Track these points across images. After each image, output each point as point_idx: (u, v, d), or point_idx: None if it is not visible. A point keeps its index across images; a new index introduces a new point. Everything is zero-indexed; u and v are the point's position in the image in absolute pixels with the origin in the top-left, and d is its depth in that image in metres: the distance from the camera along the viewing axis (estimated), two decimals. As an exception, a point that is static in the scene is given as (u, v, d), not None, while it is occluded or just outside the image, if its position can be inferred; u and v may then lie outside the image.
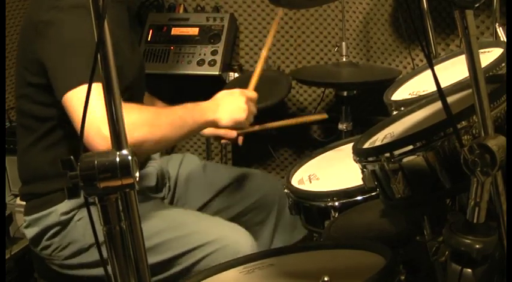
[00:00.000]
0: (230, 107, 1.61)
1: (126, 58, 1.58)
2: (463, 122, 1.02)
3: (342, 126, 2.27)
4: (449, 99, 1.16)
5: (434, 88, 0.94)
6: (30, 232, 1.62)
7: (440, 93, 0.91)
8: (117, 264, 0.82)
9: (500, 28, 1.88)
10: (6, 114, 2.61)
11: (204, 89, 1.84)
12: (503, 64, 1.40)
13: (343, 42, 2.28)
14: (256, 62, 2.71)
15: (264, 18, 2.67)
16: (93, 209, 0.84)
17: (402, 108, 1.50)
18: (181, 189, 1.90)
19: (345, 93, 2.27)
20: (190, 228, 1.59)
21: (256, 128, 1.82)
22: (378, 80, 2.15)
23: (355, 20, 2.48)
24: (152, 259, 1.47)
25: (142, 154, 1.64)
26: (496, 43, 1.70)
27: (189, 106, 1.56)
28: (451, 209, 1.26)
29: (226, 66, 2.58)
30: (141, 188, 1.63)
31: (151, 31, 2.66)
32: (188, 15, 2.69)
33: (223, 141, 1.87)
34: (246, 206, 1.89)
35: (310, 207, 1.62)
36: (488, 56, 1.51)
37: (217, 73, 2.52)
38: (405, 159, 1.07)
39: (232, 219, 1.88)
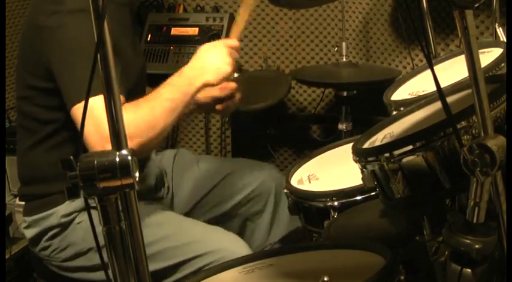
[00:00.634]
0: (215, 64, 1.54)
1: (129, 61, 1.58)
2: (463, 122, 1.02)
3: (341, 126, 2.27)
4: (449, 99, 1.15)
5: (434, 88, 0.94)
6: (29, 233, 1.62)
7: (440, 93, 0.91)
8: (117, 265, 0.82)
9: (500, 28, 1.88)
10: (6, 114, 2.60)
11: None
12: (503, 64, 1.40)
13: (343, 42, 2.28)
14: (255, 62, 2.72)
15: (264, 18, 2.67)
16: (93, 212, 0.84)
17: (402, 108, 1.50)
18: (177, 185, 1.90)
19: (345, 93, 2.27)
20: (190, 237, 1.59)
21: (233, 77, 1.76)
22: (378, 80, 2.15)
23: (355, 20, 2.48)
24: (151, 267, 1.48)
25: (148, 152, 1.65)
26: (496, 43, 1.70)
27: (175, 81, 1.51)
28: (451, 209, 1.26)
29: (226, 66, 2.58)
30: (141, 190, 1.61)
31: (151, 31, 2.66)
32: (188, 15, 2.69)
33: (218, 106, 1.79)
34: (243, 196, 1.89)
35: (309, 207, 1.62)
36: (488, 56, 1.51)
37: (216, 73, 2.52)
38: (405, 159, 1.07)
39: (231, 211, 1.89)
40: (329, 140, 2.50)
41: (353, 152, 1.22)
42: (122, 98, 1.34)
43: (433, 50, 2.04)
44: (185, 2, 2.75)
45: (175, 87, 1.50)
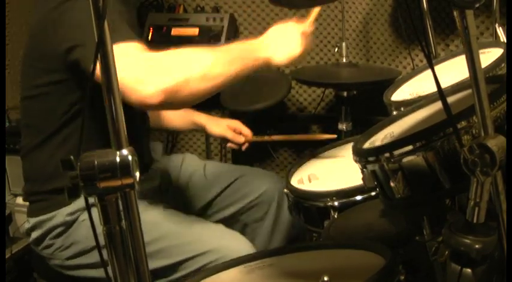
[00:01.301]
0: (284, 43, 1.48)
1: None
2: (463, 122, 1.02)
3: (341, 126, 2.27)
4: (449, 100, 1.16)
5: (434, 88, 0.94)
6: (34, 233, 1.62)
7: (440, 94, 0.91)
8: (117, 265, 0.82)
9: (500, 28, 1.88)
10: (6, 114, 2.60)
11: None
12: (503, 64, 1.40)
13: (343, 43, 2.28)
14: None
15: (264, 18, 2.67)
16: (94, 211, 0.84)
17: (402, 108, 1.50)
18: (183, 189, 1.90)
19: (345, 94, 2.27)
20: (192, 235, 1.58)
21: (265, 138, 1.82)
22: (378, 80, 2.15)
23: (355, 20, 2.48)
24: (152, 265, 1.48)
25: (181, 103, 1.49)
26: (496, 43, 1.70)
27: (240, 43, 1.47)
28: (451, 209, 1.26)
29: (226, 66, 2.58)
30: (145, 190, 1.62)
31: (151, 31, 2.66)
32: (188, 16, 2.68)
33: (229, 144, 1.87)
34: (246, 203, 1.89)
35: (309, 207, 1.62)
36: (488, 56, 1.51)
37: (217, 73, 2.52)
38: (405, 159, 1.07)
39: (232, 217, 1.89)
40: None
41: (353, 152, 1.22)
42: (140, 43, 1.34)
43: (433, 50, 2.04)
44: (185, 2, 2.74)
45: (239, 46, 1.45)
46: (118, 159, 0.79)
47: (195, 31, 2.61)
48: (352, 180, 1.54)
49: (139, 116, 1.68)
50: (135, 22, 1.65)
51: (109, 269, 0.83)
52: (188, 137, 2.90)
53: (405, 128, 1.31)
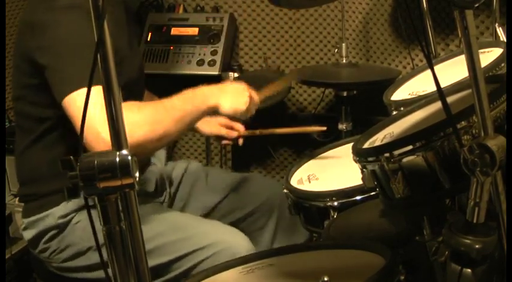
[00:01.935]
0: (232, 95, 1.58)
1: (124, 55, 1.57)
2: (463, 122, 1.02)
3: (341, 126, 2.28)
4: (449, 99, 1.16)
5: (434, 88, 0.94)
6: (28, 234, 1.62)
7: (440, 93, 0.91)
8: (117, 265, 0.82)
9: (500, 28, 1.87)
10: (6, 114, 2.60)
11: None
12: (503, 64, 1.40)
13: (343, 43, 2.28)
14: (255, 62, 2.72)
15: (264, 18, 2.67)
16: (93, 211, 0.84)
17: (402, 108, 1.50)
18: (184, 196, 1.91)
19: (345, 93, 2.27)
20: (189, 231, 1.58)
21: (257, 132, 1.83)
22: (378, 80, 2.15)
23: (355, 20, 2.48)
24: (151, 262, 1.48)
25: (146, 154, 1.63)
26: (496, 43, 1.70)
27: (190, 93, 1.52)
28: (451, 209, 1.26)
29: (226, 66, 2.58)
30: (140, 193, 1.61)
31: (150, 31, 2.66)
32: (188, 15, 2.68)
33: (224, 142, 1.87)
34: (247, 211, 1.89)
35: (309, 207, 1.62)
36: (488, 56, 1.51)
37: (216, 73, 2.52)
38: (405, 159, 1.07)
39: (233, 225, 1.88)
40: (329, 140, 2.50)
41: (353, 152, 1.22)
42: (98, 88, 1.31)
43: (433, 50, 2.04)
44: (185, 2, 2.74)
45: (187, 99, 1.51)
46: (118, 159, 0.79)
47: (194, 31, 2.61)
48: (352, 180, 1.54)
49: None
50: (124, 18, 1.65)
51: (108, 269, 0.83)
52: (189, 138, 2.90)
53: (405, 128, 1.31)
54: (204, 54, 2.55)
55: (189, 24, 2.64)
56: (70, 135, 1.43)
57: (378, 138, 1.31)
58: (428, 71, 1.26)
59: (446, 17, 2.22)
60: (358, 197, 1.54)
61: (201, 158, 2.89)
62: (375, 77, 2.19)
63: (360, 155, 1.18)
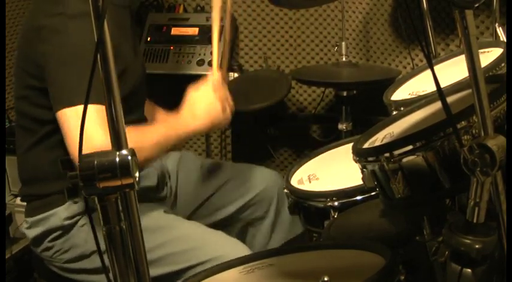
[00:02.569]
0: (205, 111, 1.59)
1: (129, 62, 1.58)
2: (463, 122, 1.02)
3: (341, 126, 2.28)
4: (449, 99, 1.16)
5: (434, 88, 0.94)
6: (32, 233, 1.62)
7: (440, 93, 0.91)
8: (117, 265, 0.82)
9: (500, 28, 1.87)
10: (6, 114, 2.61)
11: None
12: (503, 64, 1.40)
13: (343, 42, 2.28)
14: (255, 62, 2.72)
15: (264, 18, 2.67)
16: (94, 215, 0.84)
17: (402, 108, 1.50)
18: (180, 187, 1.90)
19: (345, 93, 2.27)
20: (193, 243, 1.58)
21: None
22: (378, 80, 2.15)
23: (355, 20, 2.48)
24: (153, 272, 1.48)
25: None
26: (496, 43, 1.69)
27: (172, 122, 1.58)
28: (451, 209, 1.26)
29: (226, 66, 2.58)
30: (143, 190, 1.61)
31: (151, 31, 2.66)
32: (188, 15, 2.68)
33: None
34: (246, 201, 1.89)
35: (309, 207, 1.62)
36: (488, 56, 1.51)
37: (216, 73, 2.52)
38: (405, 159, 1.07)
39: (232, 216, 1.88)
40: (329, 140, 2.50)
41: (353, 152, 1.22)
42: (97, 106, 1.27)
43: (433, 50, 2.04)
44: (185, 2, 2.74)
45: (171, 126, 1.55)
46: (118, 159, 0.79)
47: (195, 31, 2.61)
48: (352, 180, 1.54)
49: (136, 118, 1.68)
50: (129, 23, 1.64)
51: (109, 273, 0.83)
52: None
53: (405, 128, 1.31)
54: (204, 54, 2.55)
55: (189, 24, 2.64)
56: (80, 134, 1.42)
57: (378, 138, 1.31)
58: (428, 71, 1.26)
59: (446, 17, 2.22)
60: (358, 197, 1.54)
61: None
62: (375, 77, 2.19)
63: (360, 155, 1.18)
